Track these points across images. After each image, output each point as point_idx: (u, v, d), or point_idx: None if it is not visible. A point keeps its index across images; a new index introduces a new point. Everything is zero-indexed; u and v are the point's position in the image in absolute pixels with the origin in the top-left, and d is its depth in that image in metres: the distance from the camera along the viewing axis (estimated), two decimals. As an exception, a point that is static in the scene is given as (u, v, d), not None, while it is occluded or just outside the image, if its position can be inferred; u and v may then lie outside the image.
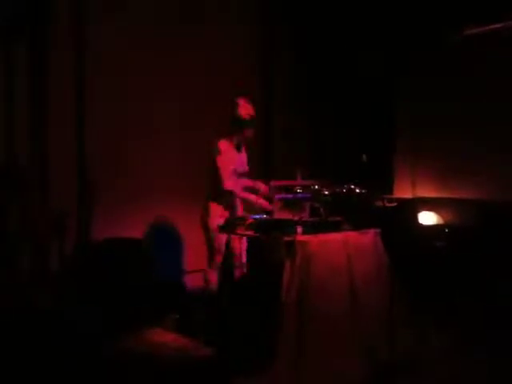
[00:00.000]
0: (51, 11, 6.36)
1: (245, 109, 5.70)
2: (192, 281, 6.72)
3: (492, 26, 6.98)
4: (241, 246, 5.81)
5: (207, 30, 7.50)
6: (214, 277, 5.72)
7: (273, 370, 4.45)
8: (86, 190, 6.60)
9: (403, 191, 7.60)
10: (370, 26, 7.95)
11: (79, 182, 6.58)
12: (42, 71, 6.40)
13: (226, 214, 5.66)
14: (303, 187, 5.05)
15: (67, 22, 6.49)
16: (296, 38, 8.59)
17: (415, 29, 7.64)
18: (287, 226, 4.80)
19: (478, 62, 7.22)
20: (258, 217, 5.09)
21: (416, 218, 7.11)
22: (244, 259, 5.85)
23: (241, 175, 5.77)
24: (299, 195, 5.04)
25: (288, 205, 5.06)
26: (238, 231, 5.17)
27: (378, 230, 5.10)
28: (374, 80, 8.08)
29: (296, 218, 4.86)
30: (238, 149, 5.81)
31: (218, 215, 5.64)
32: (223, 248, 5.71)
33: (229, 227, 5.27)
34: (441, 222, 7.13)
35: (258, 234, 4.97)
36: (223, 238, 5.67)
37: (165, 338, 4.94)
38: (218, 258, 5.70)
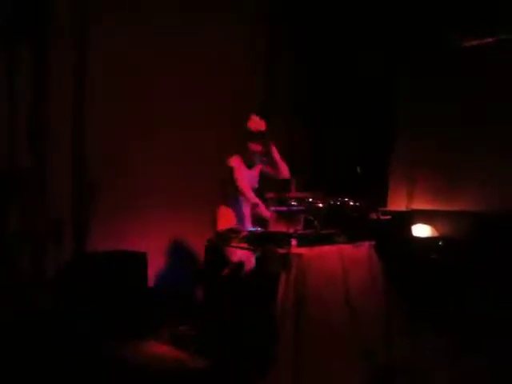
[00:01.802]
0: (52, 11, 6.34)
1: (254, 123, 5.68)
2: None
3: (487, 40, 6.96)
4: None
5: (207, 30, 7.48)
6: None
7: (270, 377, 4.48)
8: (85, 190, 6.61)
9: (397, 203, 7.61)
10: (371, 26, 7.92)
11: (78, 182, 6.59)
12: (42, 72, 6.38)
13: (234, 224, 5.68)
14: (297, 199, 5.04)
15: (68, 22, 6.46)
16: (296, 38, 8.58)
17: (415, 29, 7.62)
18: (282, 239, 4.79)
19: (478, 64, 7.23)
20: (252, 229, 5.10)
21: (410, 231, 7.13)
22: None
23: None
24: (293, 207, 5.04)
25: (282, 217, 5.05)
26: (232, 243, 5.18)
27: (373, 243, 5.11)
28: (373, 82, 8.05)
29: (291, 231, 4.86)
30: (249, 165, 5.79)
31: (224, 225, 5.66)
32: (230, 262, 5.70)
33: (222, 240, 5.27)
34: (435, 234, 7.15)
35: (252, 247, 4.98)
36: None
37: (161, 349, 4.99)
38: (225, 271, 5.71)
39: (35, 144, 6.35)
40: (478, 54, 7.24)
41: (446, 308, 6.30)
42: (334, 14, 8.22)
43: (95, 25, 6.61)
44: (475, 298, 6.26)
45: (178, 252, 7.07)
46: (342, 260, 4.85)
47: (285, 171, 5.78)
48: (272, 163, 5.79)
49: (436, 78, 7.71)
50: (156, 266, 6.71)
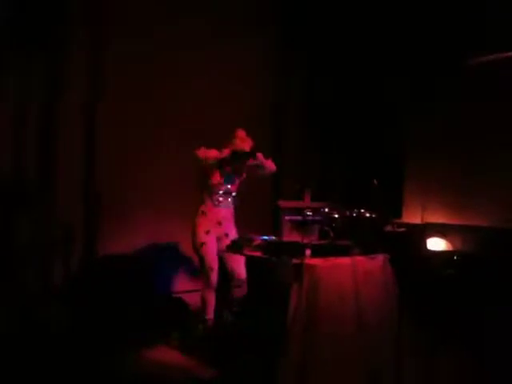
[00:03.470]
0: (59, 20, 6.36)
1: (240, 141, 5.71)
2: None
3: (506, 54, 6.95)
4: (238, 262, 5.80)
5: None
6: (211, 297, 5.67)
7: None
8: (92, 203, 6.60)
9: (412, 216, 7.54)
10: (381, 51, 7.97)
11: (86, 195, 6.58)
12: (52, 83, 6.39)
13: (213, 229, 5.73)
14: (313, 209, 4.98)
15: (79, 27, 6.55)
16: (309, 61, 8.68)
17: (426, 54, 7.65)
18: (296, 249, 4.73)
19: (491, 88, 7.20)
20: (266, 238, 5.05)
21: (425, 244, 7.06)
22: (243, 276, 5.83)
23: (226, 193, 5.85)
24: (309, 217, 4.98)
25: (297, 227, 5.00)
26: (245, 252, 5.13)
27: (387, 256, 5.03)
28: (385, 103, 8.08)
29: (305, 241, 4.80)
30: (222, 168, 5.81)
31: (203, 231, 5.70)
32: (216, 266, 5.68)
33: (235, 247, 5.22)
34: (449, 248, 7.08)
35: (265, 256, 4.91)
36: (213, 255, 5.67)
37: (168, 357, 4.92)
38: (213, 277, 5.66)
39: (44, 157, 6.33)
40: (490, 71, 7.21)
41: (462, 326, 6.17)
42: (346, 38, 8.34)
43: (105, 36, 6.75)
44: (493, 316, 6.12)
45: (186, 259, 6.99)
46: (356, 272, 4.76)
47: (271, 166, 5.88)
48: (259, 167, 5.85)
49: (447, 102, 7.71)
50: (165, 272, 6.66)
